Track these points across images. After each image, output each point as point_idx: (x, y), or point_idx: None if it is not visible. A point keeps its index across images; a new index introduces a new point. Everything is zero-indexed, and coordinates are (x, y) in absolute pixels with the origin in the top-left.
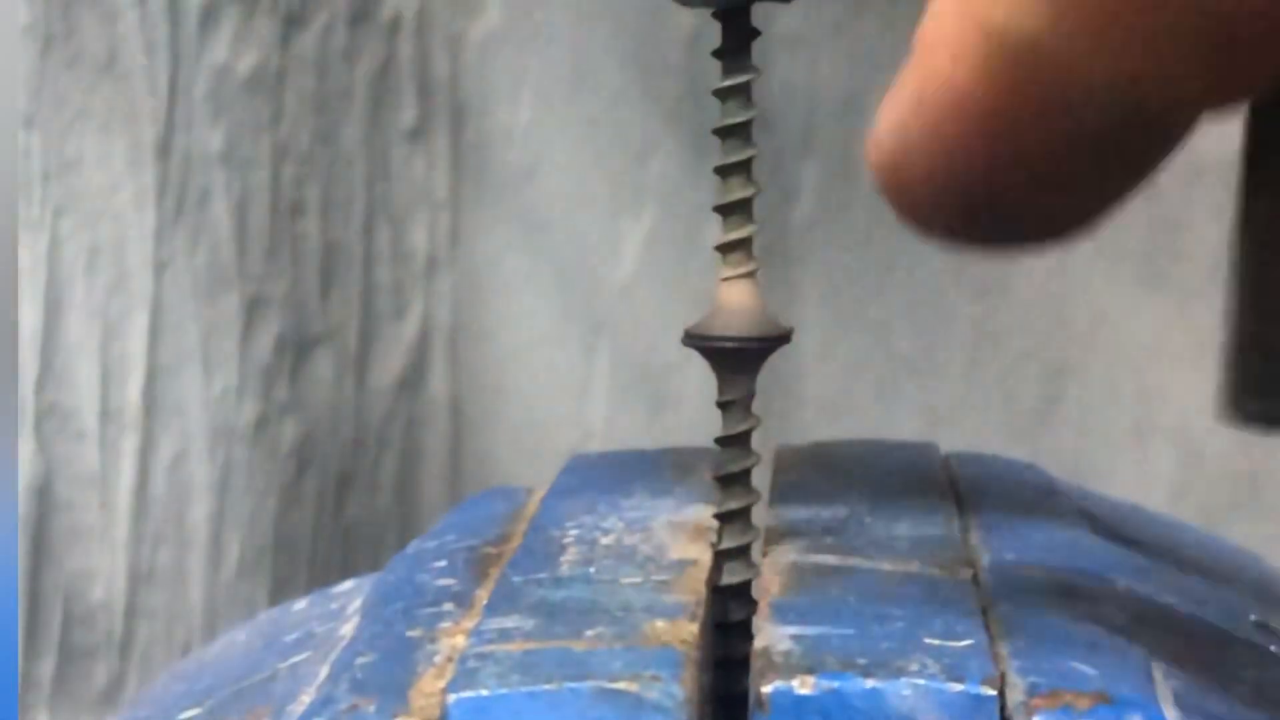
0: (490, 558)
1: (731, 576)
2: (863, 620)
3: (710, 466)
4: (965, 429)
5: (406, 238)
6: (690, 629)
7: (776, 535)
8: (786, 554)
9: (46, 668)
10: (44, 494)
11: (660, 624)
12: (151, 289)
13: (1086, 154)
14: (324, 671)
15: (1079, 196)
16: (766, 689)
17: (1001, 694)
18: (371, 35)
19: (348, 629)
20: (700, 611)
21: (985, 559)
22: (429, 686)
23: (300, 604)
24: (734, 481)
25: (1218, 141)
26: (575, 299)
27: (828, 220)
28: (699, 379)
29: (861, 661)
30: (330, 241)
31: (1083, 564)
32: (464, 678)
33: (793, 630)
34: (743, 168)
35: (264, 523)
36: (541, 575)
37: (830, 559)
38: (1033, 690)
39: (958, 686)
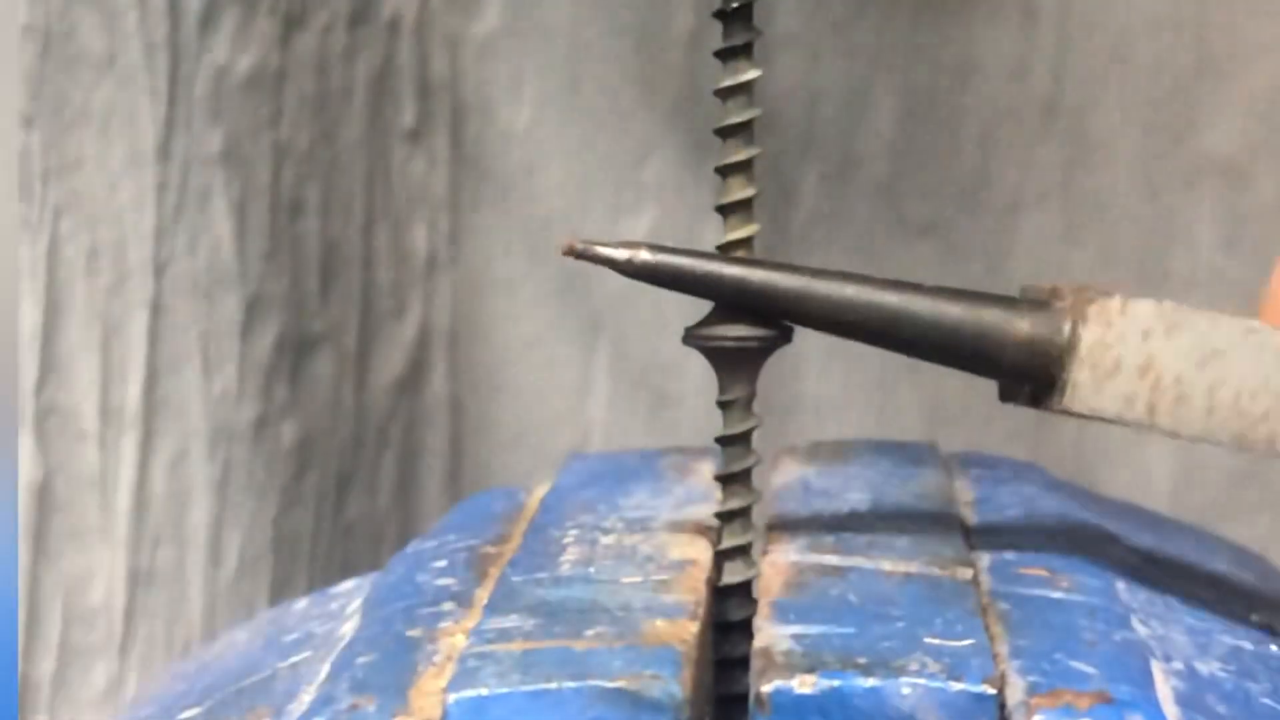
0: (490, 558)
1: (731, 576)
2: (863, 619)
3: (711, 466)
4: (965, 429)
5: (406, 238)
6: (690, 629)
7: (776, 535)
8: (786, 554)
9: (46, 668)
10: (44, 494)
11: (660, 623)
12: (151, 289)
13: None
14: (324, 671)
15: None
16: (767, 688)
17: (1001, 693)
18: (371, 35)
19: (348, 629)
20: (700, 611)
21: (985, 559)
22: (429, 686)
23: (300, 604)
24: (734, 481)
25: (1218, 141)
26: (575, 299)
27: (828, 220)
28: (699, 379)
29: (862, 661)
30: (330, 241)
31: (1083, 564)
32: (464, 677)
33: (793, 630)
34: (743, 168)
35: (264, 523)
36: (541, 575)
37: (830, 559)
38: (1033, 690)
39: (958, 686)
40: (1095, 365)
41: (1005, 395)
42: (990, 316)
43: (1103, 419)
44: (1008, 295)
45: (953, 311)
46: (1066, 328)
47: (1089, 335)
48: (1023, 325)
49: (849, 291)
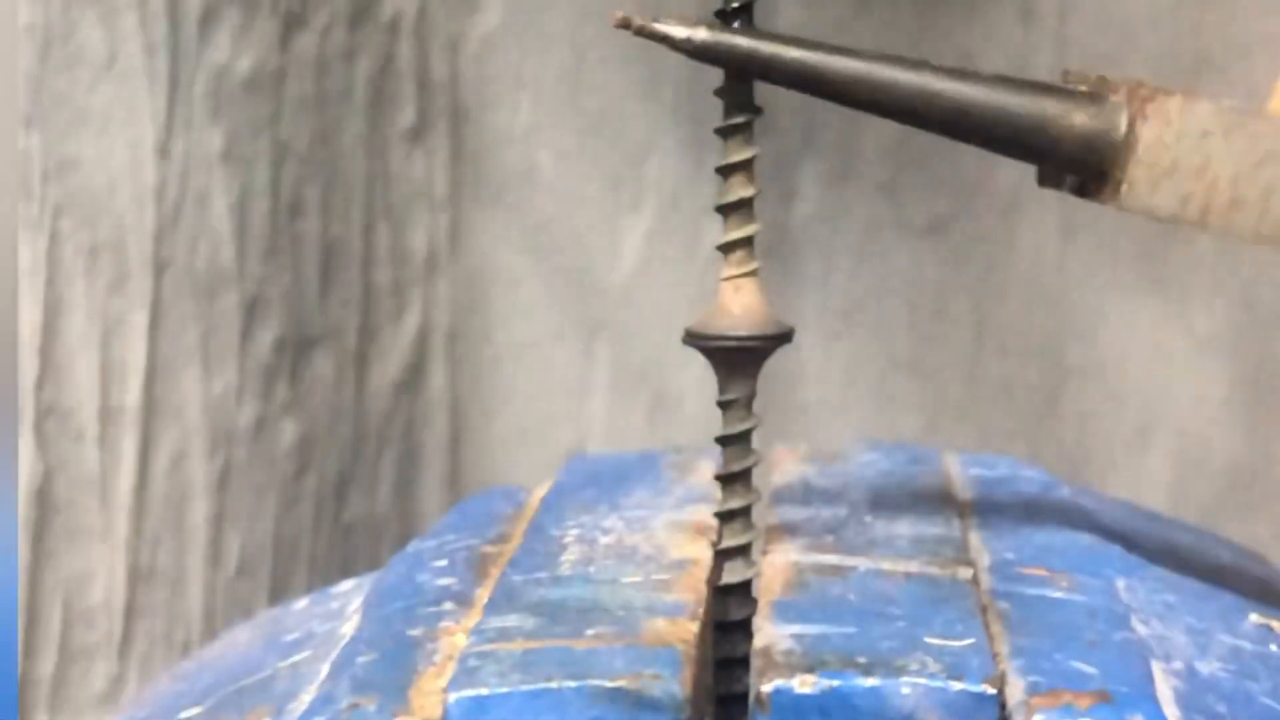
0: (490, 557)
1: (732, 576)
2: (863, 619)
3: (711, 466)
4: (965, 429)
5: (406, 238)
6: (690, 628)
7: (776, 535)
8: (787, 553)
9: (46, 668)
10: (44, 494)
11: (660, 623)
12: (151, 289)
13: None
14: (324, 670)
15: None
16: (767, 688)
17: (1001, 693)
18: (371, 35)
19: (348, 628)
20: (700, 611)
21: (985, 559)
22: (429, 685)
23: (300, 604)
24: (734, 481)
25: None
26: (575, 299)
27: (828, 220)
28: (699, 379)
29: (862, 660)
30: (330, 241)
31: (1083, 564)
32: (464, 676)
33: (793, 629)
34: (744, 167)
35: (264, 523)
36: (541, 575)
37: (830, 558)
38: (1033, 689)
39: (958, 685)
40: (1153, 164)
41: (1045, 181)
42: (1048, 108)
43: (1156, 217)
44: (1062, 85)
45: (1012, 101)
46: (1124, 124)
47: (1148, 133)
48: (1079, 118)
49: (907, 77)
